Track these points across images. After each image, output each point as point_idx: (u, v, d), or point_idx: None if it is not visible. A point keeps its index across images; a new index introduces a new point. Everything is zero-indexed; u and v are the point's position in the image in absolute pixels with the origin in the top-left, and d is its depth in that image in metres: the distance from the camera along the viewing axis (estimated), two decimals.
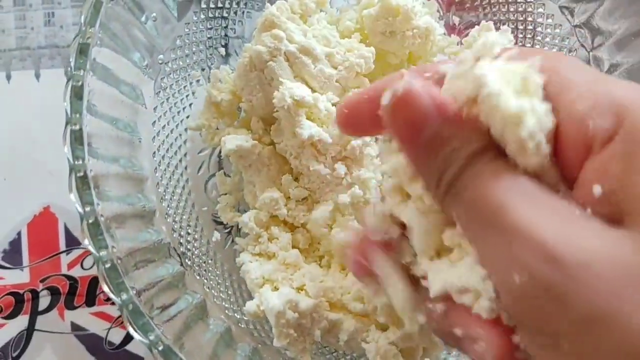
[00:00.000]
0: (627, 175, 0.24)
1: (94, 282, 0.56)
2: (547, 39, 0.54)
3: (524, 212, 0.23)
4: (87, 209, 0.39)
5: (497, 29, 0.54)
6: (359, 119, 0.33)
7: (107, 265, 0.39)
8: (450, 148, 0.26)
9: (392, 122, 0.27)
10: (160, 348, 0.39)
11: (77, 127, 0.40)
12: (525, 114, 0.24)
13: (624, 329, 0.21)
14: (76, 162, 0.39)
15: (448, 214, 0.27)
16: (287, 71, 0.45)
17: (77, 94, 0.40)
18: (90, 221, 0.39)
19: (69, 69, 0.40)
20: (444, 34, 0.54)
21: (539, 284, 0.22)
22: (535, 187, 0.25)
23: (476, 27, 0.52)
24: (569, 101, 0.26)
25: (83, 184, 0.39)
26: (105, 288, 0.39)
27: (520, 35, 0.55)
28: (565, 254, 0.22)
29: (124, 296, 0.39)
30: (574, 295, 0.22)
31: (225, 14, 0.52)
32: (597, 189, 0.24)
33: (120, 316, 0.54)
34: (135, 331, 0.39)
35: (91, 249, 0.39)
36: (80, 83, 0.40)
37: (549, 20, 0.54)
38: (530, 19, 0.54)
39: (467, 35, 0.52)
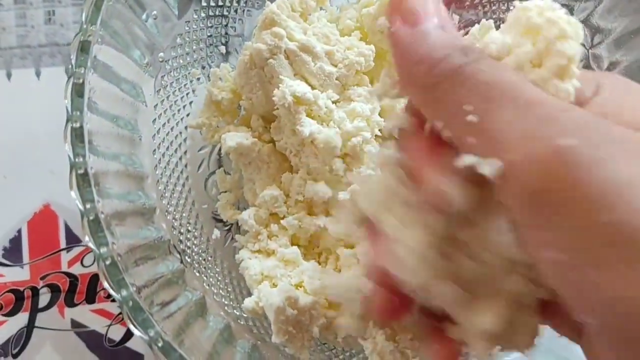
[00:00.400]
0: None
1: (94, 279, 0.56)
2: None
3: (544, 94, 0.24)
4: (88, 206, 0.39)
5: (497, 27, 0.54)
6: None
7: (108, 262, 0.39)
8: (459, 44, 0.26)
9: (394, 9, 0.28)
10: (160, 344, 0.39)
11: (78, 124, 0.40)
12: None
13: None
14: (77, 160, 0.40)
15: (440, 102, 0.26)
16: (287, 69, 0.46)
17: (78, 92, 0.40)
18: (90, 218, 0.39)
19: (70, 66, 0.41)
20: None
21: (561, 151, 0.22)
22: None
23: (476, 25, 0.52)
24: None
25: (84, 181, 0.39)
26: (106, 284, 0.39)
27: None
28: (591, 125, 0.22)
29: (124, 292, 0.39)
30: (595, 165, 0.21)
31: (225, 12, 0.53)
32: None
33: (120, 313, 0.55)
34: (136, 327, 0.39)
35: (92, 245, 0.39)
36: (81, 80, 0.40)
37: None
38: None
39: (467, 33, 0.52)
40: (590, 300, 0.22)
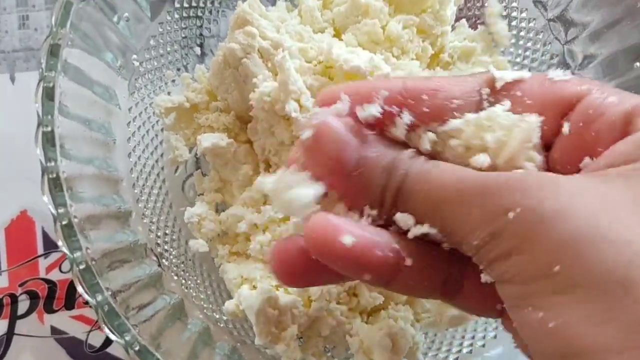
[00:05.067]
0: None
1: (72, 285, 0.55)
2: (522, 33, 0.54)
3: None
4: (61, 210, 0.39)
5: (472, 25, 0.55)
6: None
7: (82, 267, 0.39)
8: (385, 163, 0.28)
9: (314, 160, 0.28)
10: (136, 348, 0.39)
11: (49, 128, 0.40)
12: None
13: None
14: (48, 164, 0.39)
15: (400, 219, 0.28)
16: (261, 68, 0.45)
17: (48, 95, 0.40)
18: (63, 223, 0.39)
19: (40, 70, 0.40)
20: None
21: (529, 212, 0.24)
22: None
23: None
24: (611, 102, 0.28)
25: (55, 185, 0.39)
26: (80, 289, 0.39)
27: None
28: (547, 186, 0.24)
29: (99, 297, 0.39)
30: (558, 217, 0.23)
31: (199, 14, 0.52)
32: None
33: None
34: (111, 332, 0.39)
35: (65, 250, 0.39)
36: (51, 84, 0.40)
37: (523, 14, 0.54)
38: (504, 13, 0.55)
39: None
40: (540, 340, 0.24)
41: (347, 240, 0.27)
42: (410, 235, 0.28)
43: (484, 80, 0.30)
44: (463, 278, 0.30)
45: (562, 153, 0.29)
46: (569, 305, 0.23)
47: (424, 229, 0.27)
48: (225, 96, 0.47)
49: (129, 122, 0.48)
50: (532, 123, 0.28)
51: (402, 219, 0.28)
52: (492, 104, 0.30)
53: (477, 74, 0.31)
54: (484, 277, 0.27)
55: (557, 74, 0.30)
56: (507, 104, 0.29)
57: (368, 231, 0.28)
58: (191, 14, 0.52)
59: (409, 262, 0.28)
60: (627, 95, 0.28)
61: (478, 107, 0.30)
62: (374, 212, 0.28)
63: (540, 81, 0.30)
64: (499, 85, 0.30)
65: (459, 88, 0.30)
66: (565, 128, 0.28)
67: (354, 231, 0.28)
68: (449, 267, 0.29)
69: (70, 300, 0.55)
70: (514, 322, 0.26)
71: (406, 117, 0.29)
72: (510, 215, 0.24)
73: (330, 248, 0.27)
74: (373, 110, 0.29)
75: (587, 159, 0.28)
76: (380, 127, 0.29)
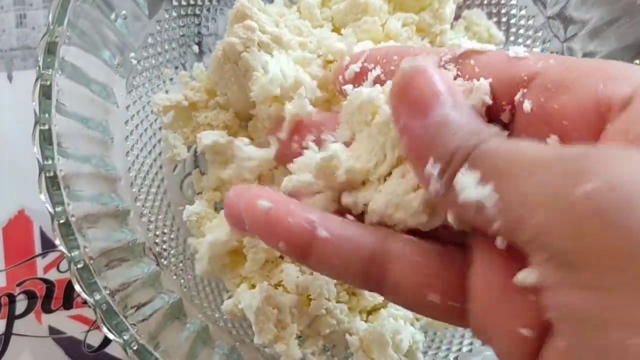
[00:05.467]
0: None
1: (70, 285, 0.55)
2: (521, 31, 0.54)
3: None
4: (58, 209, 0.39)
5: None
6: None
7: (80, 266, 0.39)
8: (469, 126, 0.26)
9: (401, 98, 0.28)
10: (134, 347, 0.38)
11: (46, 126, 0.39)
12: None
13: None
14: (45, 162, 0.39)
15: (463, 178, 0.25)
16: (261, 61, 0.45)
17: (45, 94, 0.40)
18: (61, 221, 0.39)
19: (38, 68, 0.40)
20: None
21: (585, 201, 0.20)
22: None
23: None
24: (577, 76, 0.26)
25: (53, 184, 0.39)
26: (78, 288, 0.39)
27: None
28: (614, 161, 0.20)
29: (97, 296, 0.39)
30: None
31: (197, 12, 0.52)
32: None
33: None
34: (109, 331, 0.38)
35: (63, 249, 0.39)
36: (48, 82, 0.40)
37: (523, 12, 0.54)
38: (503, 11, 0.54)
39: None
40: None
41: (264, 204, 0.29)
42: (461, 198, 0.24)
43: (449, 49, 0.31)
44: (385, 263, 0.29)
45: (523, 131, 0.28)
46: None
47: (486, 190, 0.23)
48: (225, 91, 0.47)
49: (127, 121, 0.48)
50: (481, 87, 0.29)
51: (465, 178, 0.25)
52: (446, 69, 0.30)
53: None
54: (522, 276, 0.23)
55: (516, 50, 0.29)
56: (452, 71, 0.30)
57: (285, 199, 0.30)
58: (189, 12, 0.52)
59: (322, 232, 0.28)
60: (591, 69, 0.26)
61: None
62: (437, 166, 0.26)
63: (498, 56, 0.30)
64: (457, 52, 0.31)
65: (425, 52, 0.32)
66: (527, 105, 0.27)
67: (272, 197, 0.29)
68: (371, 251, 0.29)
69: (68, 300, 0.55)
70: (564, 338, 0.22)
71: (375, 72, 0.34)
72: (587, 187, 0.20)
73: (249, 213, 0.29)
74: (355, 67, 0.36)
75: (554, 136, 0.26)
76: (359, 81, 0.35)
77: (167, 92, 0.50)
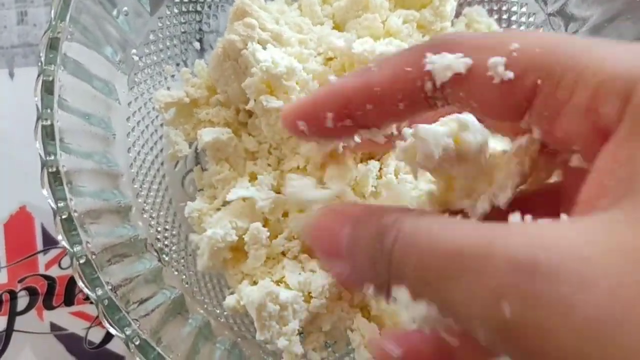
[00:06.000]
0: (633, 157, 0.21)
1: (72, 281, 0.55)
2: (522, 28, 0.54)
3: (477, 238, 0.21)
4: (60, 204, 0.39)
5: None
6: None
7: (82, 261, 0.39)
8: (373, 229, 0.25)
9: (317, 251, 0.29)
10: (137, 343, 0.38)
11: (49, 122, 0.39)
12: None
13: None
14: (48, 158, 0.39)
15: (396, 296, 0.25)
16: None
17: (47, 89, 0.40)
18: (63, 217, 0.39)
19: (40, 63, 0.40)
20: None
21: (529, 300, 0.20)
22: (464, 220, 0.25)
23: None
24: (570, 88, 0.24)
25: (55, 179, 0.39)
26: (80, 283, 0.39)
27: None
28: (541, 259, 0.20)
29: (99, 291, 0.39)
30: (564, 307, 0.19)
31: (199, 8, 0.52)
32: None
33: None
34: (111, 326, 0.38)
35: (65, 244, 0.39)
36: (51, 78, 0.40)
37: (524, 9, 0.54)
38: (504, 8, 0.55)
39: None
40: None
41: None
42: (409, 319, 0.24)
43: (423, 73, 0.27)
44: None
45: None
46: None
47: (421, 309, 0.23)
48: (225, 89, 0.47)
49: (129, 117, 0.48)
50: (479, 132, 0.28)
51: (398, 294, 0.24)
52: (436, 104, 0.28)
53: (410, 52, 0.28)
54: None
55: (498, 73, 0.25)
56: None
57: None
58: (190, 9, 0.52)
59: None
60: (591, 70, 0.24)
61: (427, 104, 0.28)
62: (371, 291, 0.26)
63: (484, 81, 0.26)
64: (438, 84, 0.27)
65: (401, 88, 0.28)
66: (536, 132, 0.26)
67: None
68: None
69: (70, 296, 0.55)
70: None
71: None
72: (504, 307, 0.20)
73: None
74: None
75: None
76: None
77: (168, 88, 0.50)
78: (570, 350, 0.19)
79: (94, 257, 0.39)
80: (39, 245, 0.56)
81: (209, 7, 0.53)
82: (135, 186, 0.47)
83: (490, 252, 0.21)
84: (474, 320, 0.21)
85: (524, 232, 0.21)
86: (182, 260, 0.49)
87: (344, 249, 0.27)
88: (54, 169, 0.39)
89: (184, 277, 0.48)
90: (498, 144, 0.30)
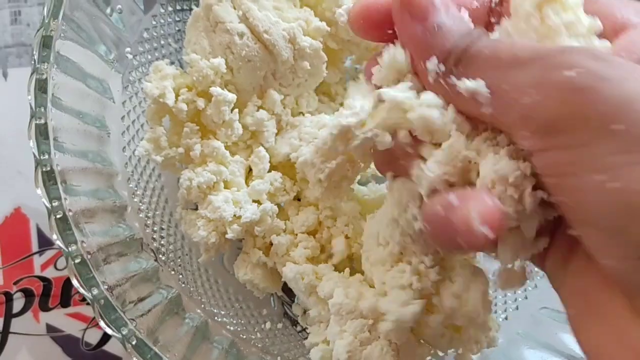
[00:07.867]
0: None
1: (68, 282, 0.55)
2: None
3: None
4: (55, 203, 0.39)
5: None
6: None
7: (77, 261, 0.38)
8: (460, 30, 0.29)
9: (402, 8, 0.30)
10: (133, 342, 0.38)
11: (42, 121, 0.39)
12: None
13: None
14: (42, 157, 0.39)
15: (456, 82, 0.28)
16: (232, 15, 0.43)
17: (41, 88, 0.39)
18: (58, 216, 0.39)
19: (33, 62, 0.40)
20: None
21: (587, 72, 0.24)
22: None
23: None
24: None
25: (49, 178, 0.39)
26: (76, 283, 0.38)
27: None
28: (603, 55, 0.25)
29: (95, 291, 0.38)
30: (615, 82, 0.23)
31: (193, 6, 0.52)
32: None
33: None
34: (108, 326, 0.38)
35: (60, 244, 0.38)
36: (44, 76, 0.40)
37: None
38: None
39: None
40: (597, 203, 0.24)
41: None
42: (458, 89, 0.28)
43: None
44: None
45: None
46: (631, 166, 0.23)
47: (479, 83, 0.27)
48: (194, 48, 0.45)
49: (123, 116, 0.47)
50: None
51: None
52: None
53: None
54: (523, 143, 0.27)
55: None
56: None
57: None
58: (185, 7, 0.51)
59: None
60: None
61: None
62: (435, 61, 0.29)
63: None
64: None
65: None
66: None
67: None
68: None
69: (66, 297, 0.55)
70: (557, 195, 0.26)
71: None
72: (567, 73, 0.24)
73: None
74: None
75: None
76: None
77: None
78: (633, 94, 0.23)
79: (89, 256, 0.39)
80: (35, 247, 0.56)
81: None
82: (131, 185, 0.47)
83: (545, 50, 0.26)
84: (524, 93, 0.25)
85: None
86: (179, 260, 0.49)
87: (429, 20, 0.29)
88: (48, 168, 0.39)
89: (181, 276, 0.48)
90: None
